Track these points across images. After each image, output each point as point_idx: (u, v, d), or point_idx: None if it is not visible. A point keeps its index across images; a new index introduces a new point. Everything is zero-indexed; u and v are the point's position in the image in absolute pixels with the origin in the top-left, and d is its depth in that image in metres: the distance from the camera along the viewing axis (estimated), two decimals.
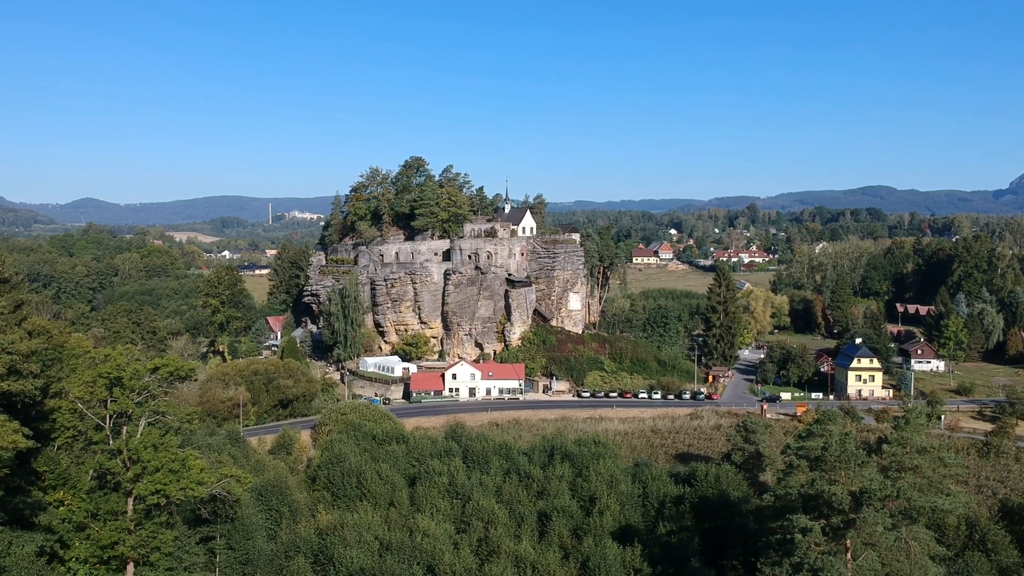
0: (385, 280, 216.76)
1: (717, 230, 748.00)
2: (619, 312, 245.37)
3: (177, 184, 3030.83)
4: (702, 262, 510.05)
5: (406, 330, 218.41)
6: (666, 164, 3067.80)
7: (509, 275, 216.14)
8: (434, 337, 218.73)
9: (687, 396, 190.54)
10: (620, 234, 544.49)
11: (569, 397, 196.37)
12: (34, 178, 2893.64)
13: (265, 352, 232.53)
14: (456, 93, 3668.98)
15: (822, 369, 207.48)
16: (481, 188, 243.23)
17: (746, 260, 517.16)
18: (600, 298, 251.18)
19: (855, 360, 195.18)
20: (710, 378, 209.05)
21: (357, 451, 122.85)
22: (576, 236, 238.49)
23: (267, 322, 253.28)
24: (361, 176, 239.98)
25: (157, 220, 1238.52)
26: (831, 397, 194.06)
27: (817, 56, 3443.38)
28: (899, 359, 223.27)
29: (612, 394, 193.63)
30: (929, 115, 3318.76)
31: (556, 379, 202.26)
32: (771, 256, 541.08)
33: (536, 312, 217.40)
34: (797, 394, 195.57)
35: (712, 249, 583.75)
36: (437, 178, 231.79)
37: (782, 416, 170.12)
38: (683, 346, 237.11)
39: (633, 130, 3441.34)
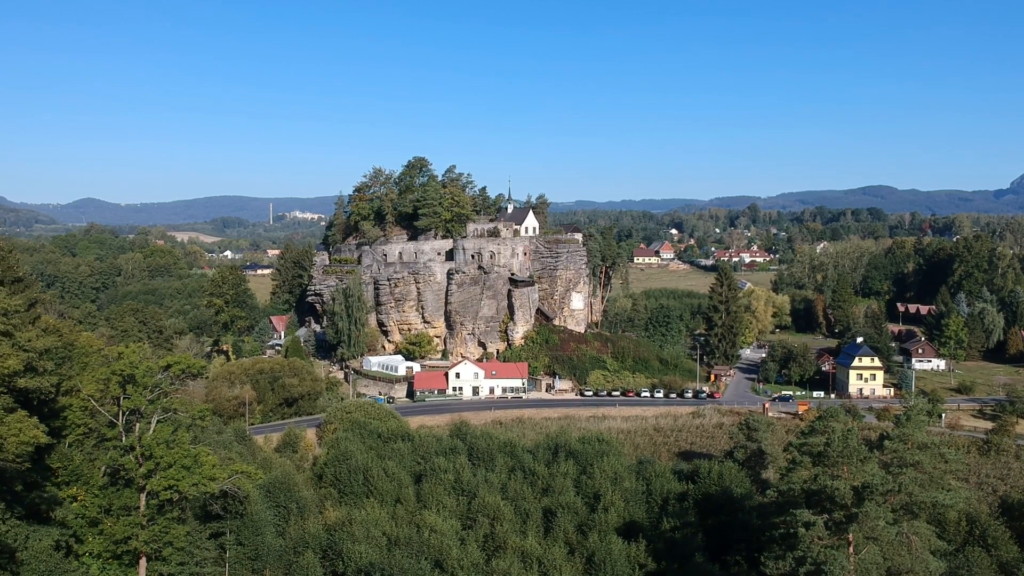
0: (388, 280, 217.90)
1: (718, 230, 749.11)
2: (621, 311, 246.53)
3: (178, 184, 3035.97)
4: (703, 262, 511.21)
5: (409, 329, 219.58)
6: (666, 164, 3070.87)
7: (512, 275, 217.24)
8: (437, 336, 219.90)
9: (689, 395, 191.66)
10: (621, 234, 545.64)
11: (572, 396, 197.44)
12: (35, 178, 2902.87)
13: (269, 352, 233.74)
14: (457, 93, 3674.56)
15: (823, 368, 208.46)
16: (484, 188, 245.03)
17: (747, 260, 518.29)
18: (602, 297, 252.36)
19: (856, 359, 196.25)
20: (712, 377, 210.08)
21: (363, 449, 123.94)
22: (579, 236, 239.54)
23: (271, 322, 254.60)
24: (364, 176, 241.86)
25: (158, 220, 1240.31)
26: (833, 396, 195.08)
27: (817, 56, 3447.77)
28: (900, 358, 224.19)
29: (615, 393, 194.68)
30: (930, 115, 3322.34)
31: (559, 378, 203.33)
32: (772, 256, 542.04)
33: (539, 311, 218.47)
34: (799, 393, 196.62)
35: (713, 249, 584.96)
36: (440, 178, 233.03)
37: (784, 414, 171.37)
38: (685, 345, 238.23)
39: (634, 130, 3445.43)
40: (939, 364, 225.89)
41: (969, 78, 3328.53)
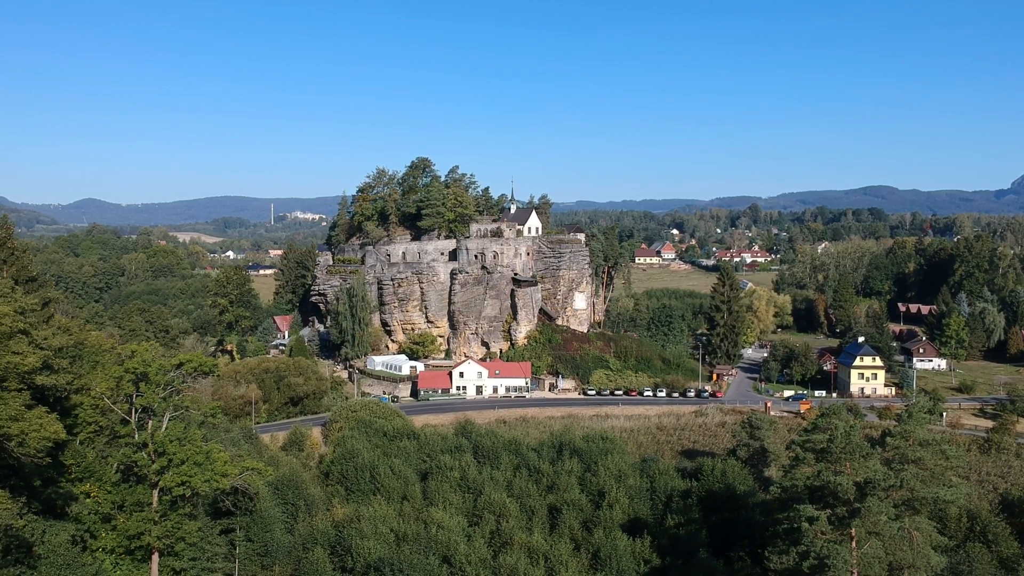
0: (392, 280, 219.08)
1: (719, 230, 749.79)
2: (623, 311, 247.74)
3: (179, 184, 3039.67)
4: (704, 262, 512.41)
5: (413, 329, 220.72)
6: (667, 164, 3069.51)
7: (515, 275, 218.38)
8: (440, 336, 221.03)
9: (692, 394, 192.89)
10: (623, 234, 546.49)
11: (575, 395, 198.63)
12: (36, 178, 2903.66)
13: (273, 351, 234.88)
14: (457, 93, 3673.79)
15: (825, 367, 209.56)
16: (487, 188, 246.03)
17: (748, 260, 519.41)
18: (605, 297, 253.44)
19: (858, 358, 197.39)
20: (714, 376, 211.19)
21: (369, 447, 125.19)
22: (581, 236, 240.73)
23: (274, 321, 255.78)
24: (368, 177, 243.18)
25: (159, 220, 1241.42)
26: (834, 395, 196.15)
27: (818, 56, 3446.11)
28: (901, 358, 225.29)
29: (617, 392, 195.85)
30: (931, 115, 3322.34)
31: (562, 377, 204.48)
32: (773, 256, 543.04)
33: (542, 311, 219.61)
34: (801, 392, 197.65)
35: (714, 249, 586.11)
36: (443, 179, 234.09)
37: (786, 413, 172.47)
38: (687, 345, 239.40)
39: (634, 130, 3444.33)
40: (940, 364, 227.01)
41: (969, 78, 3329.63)
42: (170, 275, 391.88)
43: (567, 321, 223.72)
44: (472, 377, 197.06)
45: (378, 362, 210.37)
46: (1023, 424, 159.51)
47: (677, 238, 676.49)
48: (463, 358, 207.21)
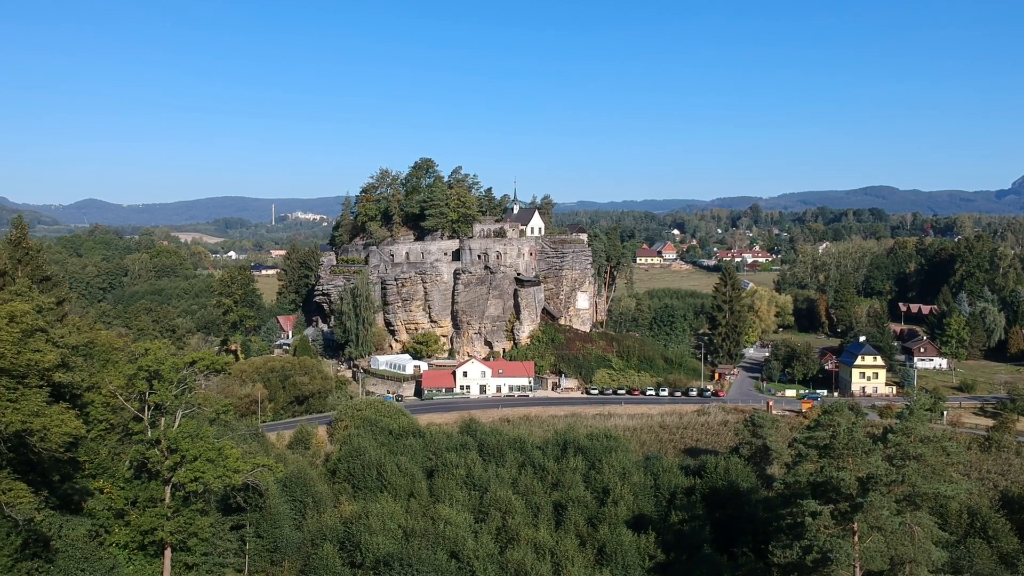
0: (396, 280, 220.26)
1: (720, 230, 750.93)
2: (626, 311, 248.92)
3: (180, 185, 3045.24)
4: (706, 262, 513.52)
5: (416, 329, 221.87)
6: (668, 164, 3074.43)
7: (518, 275, 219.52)
8: (444, 336, 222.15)
9: (694, 393, 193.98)
10: (624, 234, 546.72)
11: (578, 394, 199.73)
12: (37, 179, 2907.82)
13: (276, 351, 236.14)
14: (458, 93, 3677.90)
15: (826, 367, 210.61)
16: (489, 189, 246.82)
17: (749, 260, 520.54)
18: (607, 297, 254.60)
19: (859, 358, 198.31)
20: (716, 376, 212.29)
21: (375, 445, 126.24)
22: (584, 236, 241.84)
23: (278, 321, 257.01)
24: (371, 177, 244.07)
25: (160, 221, 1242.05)
26: (836, 394, 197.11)
27: (819, 56, 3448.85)
28: (902, 357, 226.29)
29: (620, 391, 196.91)
30: (931, 115, 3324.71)
31: (565, 377, 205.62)
32: (774, 256, 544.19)
33: (545, 311, 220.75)
34: (803, 392, 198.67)
35: (715, 249, 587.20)
36: (446, 179, 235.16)
37: (788, 412, 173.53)
38: (689, 344, 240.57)
39: (635, 130, 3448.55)
40: (941, 363, 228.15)
41: (970, 78, 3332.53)
42: (173, 275, 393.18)
43: (570, 321, 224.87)
44: (476, 376, 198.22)
45: (382, 362, 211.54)
46: (1023, 423, 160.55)
47: (678, 238, 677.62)
48: (467, 357, 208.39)
